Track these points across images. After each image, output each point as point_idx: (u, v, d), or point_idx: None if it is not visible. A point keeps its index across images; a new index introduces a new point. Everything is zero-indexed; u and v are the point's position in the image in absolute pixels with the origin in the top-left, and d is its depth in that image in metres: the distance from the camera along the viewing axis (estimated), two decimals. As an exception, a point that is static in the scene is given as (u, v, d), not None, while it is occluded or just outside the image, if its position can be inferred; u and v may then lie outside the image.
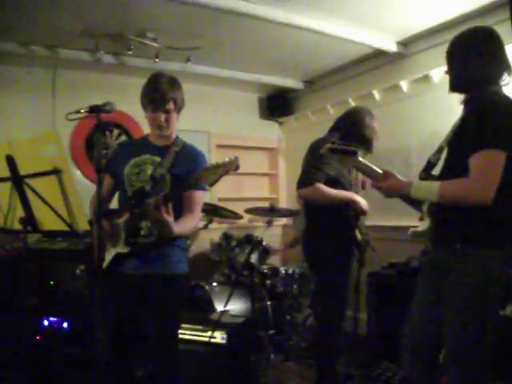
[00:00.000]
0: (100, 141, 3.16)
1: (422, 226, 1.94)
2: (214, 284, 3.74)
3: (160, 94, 2.06)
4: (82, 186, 3.98)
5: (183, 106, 2.21)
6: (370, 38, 3.92)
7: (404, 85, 4.13)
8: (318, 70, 4.93)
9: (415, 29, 3.82)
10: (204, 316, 3.21)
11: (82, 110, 1.87)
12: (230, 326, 2.97)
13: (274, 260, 4.72)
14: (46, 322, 3.13)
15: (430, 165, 1.96)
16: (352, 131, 2.71)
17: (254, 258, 3.66)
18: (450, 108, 3.48)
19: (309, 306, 4.01)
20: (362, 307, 3.28)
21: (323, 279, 2.78)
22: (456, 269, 1.72)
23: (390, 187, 1.85)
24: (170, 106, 2.09)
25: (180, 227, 1.96)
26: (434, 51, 3.90)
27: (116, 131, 4.66)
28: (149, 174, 2.09)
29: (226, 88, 5.33)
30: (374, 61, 4.44)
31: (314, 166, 2.64)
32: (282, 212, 4.26)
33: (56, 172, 1.93)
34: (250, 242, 3.93)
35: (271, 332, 3.75)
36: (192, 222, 2.10)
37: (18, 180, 2.02)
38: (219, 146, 5.34)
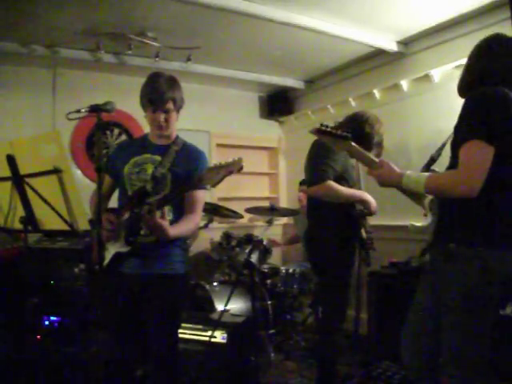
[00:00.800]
0: (100, 140, 3.16)
1: (424, 221, 1.95)
2: (215, 283, 3.74)
3: (159, 93, 2.05)
4: (83, 186, 3.97)
5: (183, 106, 2.20)
6: (370, 38, 3.93)
7: (404, 84, 4.12)
8: (318, 70, 4.93)
9: (416, 28, 3.82)
10: (204, 315, 3.22)
11: (83, 110, 1.87)
12: (230, 325, 2.97)
13: (275, 259, 4.72)
14: (46, 322, 3.13)
15: (433, 160, 1.98)
16: (358, 134, 2.66)
17: (254, 258, 3.65)
18: (451, 107, 3.47)
19: (309, 305, 4.02)
20: (362, 306, 3.28)
21: (325, 278, 2.77)
22: (451, 269, 1.72)
23: (383, 175, 1.85)
24: (170, 105, 2.09)
25: (177, 230, 1.97)
26: (434, 50, 3.91)
27: (116, 131, 4.67)
28: (149, 173, 2.09)
29: (227, 87, 5.34)
30: (375, 60, 4.44)
31: (322, 162, 2.58)
32: (282, 211, 4.26)
33: (56, 171, 1.93)
34: (251, 241, 3.93)
35: (271, 331, 3.76)
36: (193, 221, 2.10)
37: (18, 179, 2.02)
38: (219, 146, 5.34)
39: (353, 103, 4.58)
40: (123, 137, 4.67)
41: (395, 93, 4.23)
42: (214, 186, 1.82)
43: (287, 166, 5.83)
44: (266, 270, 4.04)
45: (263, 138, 5.74)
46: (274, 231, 5.35)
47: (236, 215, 4.28)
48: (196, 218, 2.11)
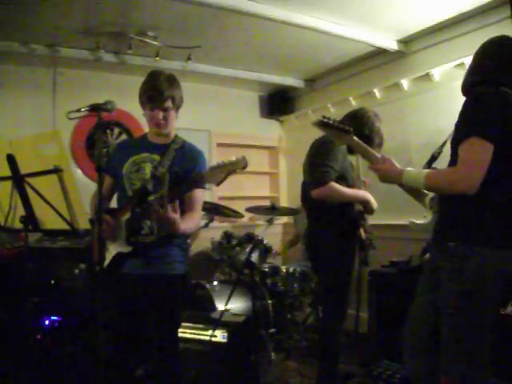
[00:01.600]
0: (101, 140, 3.14)
1: (424, 219, 1.95)
2: (215, 283, 3.74)
3: (158, 92, 2.05)
4: (83, 185, 3.96)
5: (182, 104, 2.20)
6: (370, 37, 3.92)
7: (405, 83, 4.12)
8: (318, 69, 4.92)
9: (416, 27, 3.82)
10: (205, 315, 3.21)
11: (83, 109, 1.87)
12: (230, 324, 2.97)
13: (275, 259, 4.71)
14: (46, 322, 3.13)
15: (433, 158, 1.99)
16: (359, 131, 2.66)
17: (254, 257, 3.65)
18: (451, 106, 3.47)
19: (309, 304, 4.02)
20: (362, 306, 3.28)
21: (325, 278, 2.77)
22: (449, 267, 1.72)
23: (384, 170, 1.87)
24: (168, 103, 2.09)
25: (185, 224, 1.97)
26: (434, 49, 3.90)
27: (117, 130, 4.66)
28: (148, 172, 2.09)
29: (227, 87, 5.33)
30: (375, 59, 4.43)
31: (322, 163, 2.57)
32: (282, 210, 4.26)
33: (57, 171, 1.92)
34: (251, 240, 3.92)
35: (272, 331, 3.75)
36: (194, 220, 2.10)
37: (18, 179, 2.02)
38: (220, 145, 5.34)
39: (353, 102, 4.57)
40: (123, 136, 4.67)
41: (395, 92, 4.23)
42: (218, 184, 1.82)
43: (288, 165, 5.83)
44: (266, 270, 4.04)
45: (263, 138, 5.74)
46: (275, 230, 5.35)
47: (236, 214, 4.28)
48: (196, 217, 2.12)
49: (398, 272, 3.45)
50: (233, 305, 3.36)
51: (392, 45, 4.07)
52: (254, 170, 5.58)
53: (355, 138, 1.86)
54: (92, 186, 2.35)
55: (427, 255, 1.97)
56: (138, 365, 2.39)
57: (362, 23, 3.71)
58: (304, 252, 4.31)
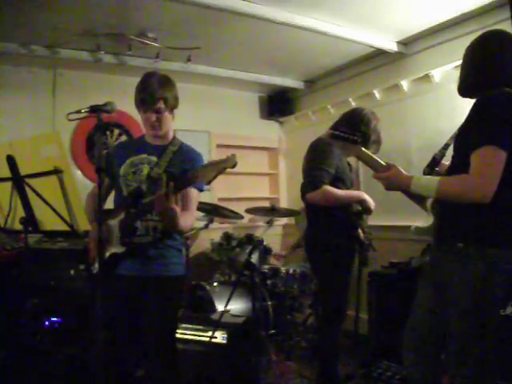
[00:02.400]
0: (100, 141, 3.15)
1: (426, 222, 1.93)
2: (215, 284, 3.74)
3: (149, 94, 2.04)
4: (83, 186, 3.95)
5: (177, 105, 2.18)
6: (370, 38, 3.92)
7: (405, 84, 4.12)
8: (318, 70, 4.93)
9: (416, 28, 3.82)
10: (205, 316, 3.21)
11: (83, 110, 1.87)
12: (230, 325, 2.97)
13: (280, 261, 4.71)
14: (46, 322, 3.13)
15: (435, 160, 1.96)
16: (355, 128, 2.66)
17: (254, 258, 3.65)
18: (451, 107, 3.48)
19: (309, 305, 4.01)
20: (362, 307, 3.28)
21: (324, 279, 2.77)
22: (458, 268, 1.71)
23: (390, 178, 1.82)
24: (160, 105, 2.07)
25: (183, 221, 1.95)
26: (434, 51, 3.90)
27: (116, 131, 4.66)
28: (145, 174, 2.08)
29: (227, 88, 5.33)
30: (375, 60, 4.44)
31: (316, 167, 2.59)
32: (282, 212, 4.26)
33: (56, 172, 1.92)
34: (251, 241, 3.92)
35: (272, 332, 3.75)
36: (189, 219, 2.08)
37: (18, 180, 2.01)
38: (219, 146, 5.33)
39: (353, 103, 4.57)
40: (123, 137, 4.67)
41: (395, 93, 4.23)
42: (208, 183, 1.83)
43: (287, 167, 5.83)
44: (266, 271, 4.04)
45: (263, 139, 5.74)
46: (275, 231, 5.35)
47: (236, 216, 4.27)
48: (190, 217, 2.09)
49: (397, 273, 3.45)
50: (233, 306, 3.36)
51: (392, 46, 4.07)
52: (253, 171, 5.59)
53: (363, 149, 1.85)
54: (92, 187, 2.36)
55: (427, 256, 1.96)
56: (138, 365, 2.38)
57: (362, 24, 3.72)
58: (304, 253, 4.31)
